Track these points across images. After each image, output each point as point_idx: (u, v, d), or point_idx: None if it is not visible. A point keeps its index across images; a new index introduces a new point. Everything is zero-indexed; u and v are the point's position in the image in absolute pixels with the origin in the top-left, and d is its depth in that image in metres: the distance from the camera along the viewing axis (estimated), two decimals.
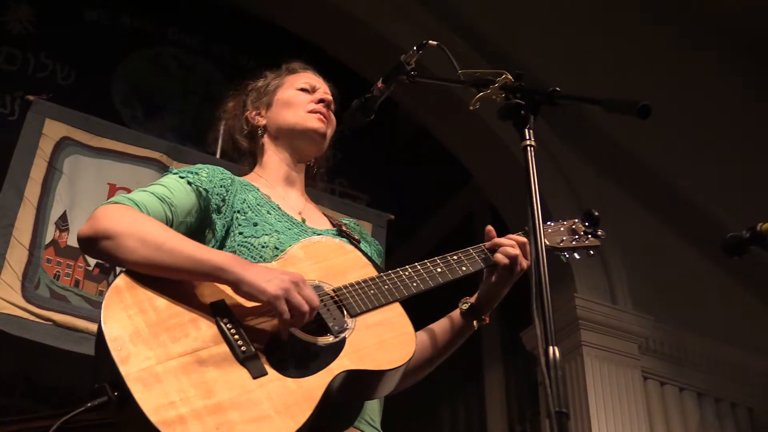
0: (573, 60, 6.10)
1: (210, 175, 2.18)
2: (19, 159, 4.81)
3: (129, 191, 5.01)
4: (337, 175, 5.97)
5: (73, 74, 5.72)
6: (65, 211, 4.84)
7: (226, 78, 6.29)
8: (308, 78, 2.51)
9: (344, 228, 2.35)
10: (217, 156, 5.23)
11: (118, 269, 4.75)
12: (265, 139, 2.43)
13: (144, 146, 5.20)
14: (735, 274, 6.12)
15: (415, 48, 2.32)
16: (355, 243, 2.29)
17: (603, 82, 5.97)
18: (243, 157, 2.47)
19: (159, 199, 2.07)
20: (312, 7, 5.99)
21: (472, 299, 2.31)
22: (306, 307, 1.84)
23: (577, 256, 2.44)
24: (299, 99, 2.43)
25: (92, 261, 4.79)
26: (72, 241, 4.79)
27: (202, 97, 6.11)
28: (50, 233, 4.75)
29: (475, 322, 2.29)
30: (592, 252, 2.46)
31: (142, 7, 6.10)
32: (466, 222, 7.42)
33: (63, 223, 4.81)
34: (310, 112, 2.41)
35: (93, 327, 4.60)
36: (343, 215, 5.48)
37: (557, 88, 1.99)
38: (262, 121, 2.44)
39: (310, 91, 2.47)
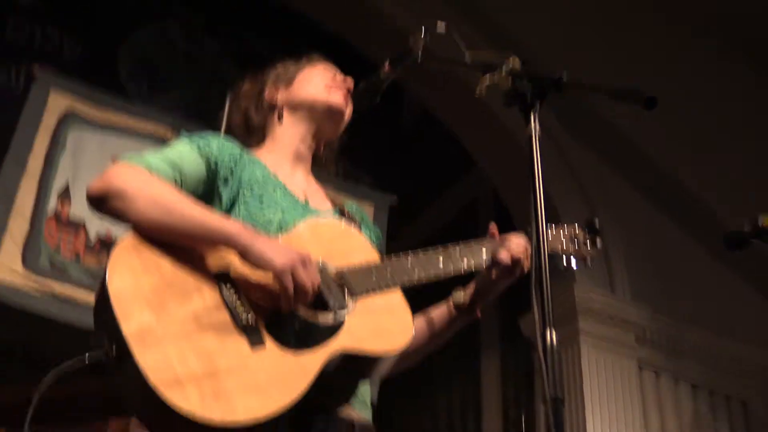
0: (580, 50, 6.08)
1: (219, 145, 2.17)
2: (22, 131, 4.82)
3: None
4: (342, 157, 5.97)
5: (79, 47, 5.71)
6: (68, 184, 4.85)
7: (232, 56, 6.28)
8: (329, 66, 2.50)
9: (345, 210, 2.35)
10: (221, 133, 5.28)
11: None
12: (284, 114, 2.41)
13: (148, 121, 5.22)
14: (735, 266, 6.13)
15: (423, 29, 2.31)
16: (354, 224, 2.29)
17: (611, 73, 5.95)
18: (253, 134, 2.44)
19: (170, 165, 2.06)
20: None
21: (466, 293, 2.29)
22: (309, 285, 1.85)
23: (574, 264, 2.42)
24: (323, 75, 2.43)
25: (93, 235, 4.80)
26: (74, 215, 4.80)
27: (208, 74, 6.10)
28: (52, 206, 4.76)
29: (467, 315, 2.29)
30: (589, 262, 2.45)
31: None
32: (470, 207, 7.42)
33: (65, 196, 4.82)
34: (335, 88, 2.40)
35: (92, 299, 4.64)
36: (346, 196, 5.55)
37: (564, 75, 1.99)
38: (280, 97, 2.42)
39: (333, 75, 2.46)
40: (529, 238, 2.16)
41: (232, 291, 1.86)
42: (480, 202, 7.29)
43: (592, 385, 5.31)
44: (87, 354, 1.79)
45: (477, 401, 6.65)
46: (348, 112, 2.44)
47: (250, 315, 1.83)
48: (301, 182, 2.35)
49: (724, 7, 6.22)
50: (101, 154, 5.04)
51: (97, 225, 4.81)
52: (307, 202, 2.28)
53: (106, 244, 4.82)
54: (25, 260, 4.54)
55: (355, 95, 2.39)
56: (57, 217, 4.76)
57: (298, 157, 2.38)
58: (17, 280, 4.47)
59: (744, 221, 2.59)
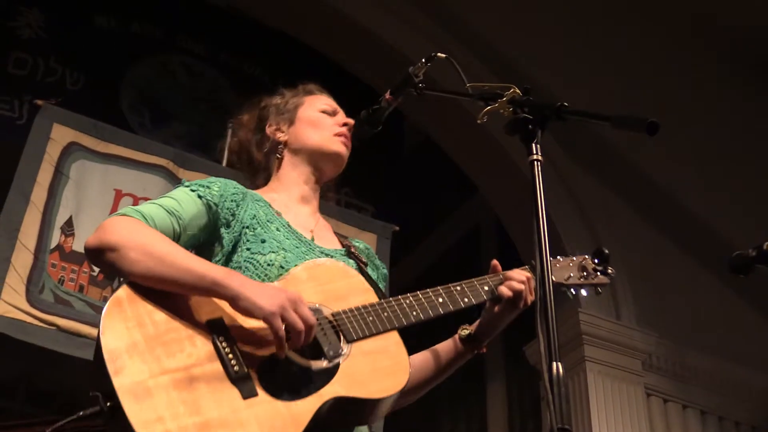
0: (580, 75, 6.10)
1: (221, 189, 2.18)
2: (26, 163, 4.82)
3: (135, 197, 5.10)
4: (343, 185, 5.96)
5: (81, 79, 5.74)
6: (71, 216, 4.84)
7: (234, 86, 6.31)
8: (327, 100, 2.51)
9: (353, 250, 2.35)
10: (224, 164, 5.28)
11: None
12: (285, 155, 2.42)
13: (151, 153, 5.21)
14: (740, 291, 6.10)
15: (423, 60, 2.32)
16: (362, 266, 2.29)
17: (611, 97, 5.97)
18: (256, 171, 2.46)
19: (167, 211, 2.07)
20: (321, 18, 6.01)
21: (472, 327, 2.31)
22: (301, 325, 1.85)
23: (584, 292, 2.43)
24: (325, 121, 2.43)
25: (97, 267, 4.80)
26: (77, 246, 4.79)
27: (210, 104, 6.12)
28: (56, 238, 4.75)
29: (474, 350, 2.30)
30: (600, 290, 2.46)
31: (151, 14, 6.13)
32: (472, 234, 7.42)
33: (68, 228, 4.81)
34: (336, 135, 2.41)
35: (96, 332, 4.63)
36: (349, 226, 5.54)
37: (565, 104, 1.99)
38: (284, 137, 2.43)
39: (331, 113, 2.46)
40: (533, 271, 2.19)
41: (224, 340, 1.86)
42: (482, 229, 7.29)
43: (599, 413, 5.27)
44: (80, 413, 1.79)
45: (483, 430, 6.60)
46: (347, 155, 2.45)
47: (242, 365, 1.83)
48: (308, 220, 2.35)
49: (726, 27, 6.25)
50: (104, 185, 5.04)
51: None
52: (313, 239, 2.27)
53: (109, 276, 4.81)
54: (29, 294, 4.52)
55: (357, 124, 2.40)
56: (60, 249, 4.75)
57: (304, 197, 2.39)
58: (21, 314, 4.45)
59: (750, 246, 2.57)
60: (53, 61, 5.69)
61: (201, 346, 1.84)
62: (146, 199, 4.97)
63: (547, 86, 5.52)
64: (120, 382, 1.73)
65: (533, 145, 1.95)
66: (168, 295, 1.90)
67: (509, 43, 6.08)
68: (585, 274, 2.42)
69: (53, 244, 4.74)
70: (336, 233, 2.44)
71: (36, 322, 4.46)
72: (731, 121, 6.51)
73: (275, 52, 6.33)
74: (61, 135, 4.97)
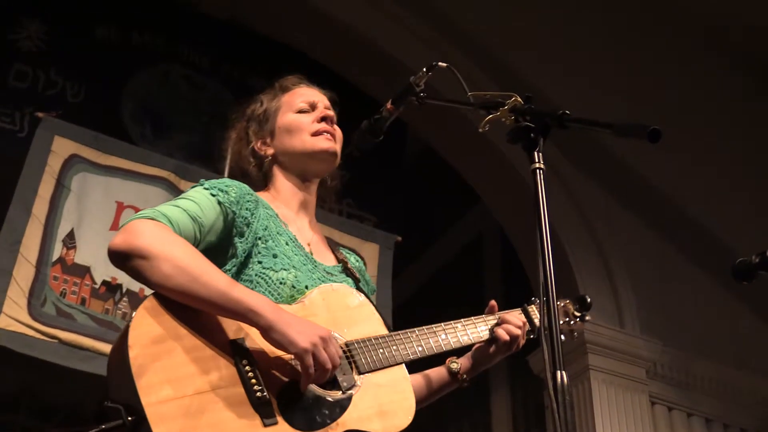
0: (581, 82, 6.10)
1: (238, 195, 2.16)
2: (27, 176, 4.82)
3: (137, 209, 5.08)
4: (345, 196, 5.96)
5: (82, 92, 5.73)
6: (72, 228, 4.84)
7: (236, 97, 6.29)
8: (303, 95, 2.47)
9: (349, 266, 2.37)
10: (225, 175, 5.28)
11: (125, 288, 4.78)
12: (275, 168, 2.40)
13: (152, 164, 5.21)
14: (744, 298, 6.09)
15: (424, 69, 2.31)
16: (356, 282, 2.32)
17: (614, 105, 5.96)
18: (253, 184, 2.41)
19: (191, 218, 2.04)
20: (322, 28, 6.02)
21: (459, 361, 2.39)
22: (329, 365, 1.89)
23: (563, 337, 2.46)
24: (301, 122, 2.40)
25: (99, 279, 4.79)
26: (79, 259, 4.78)
27: (211, 115, 6.11)
28: (57, 250, 4.75)
29: (459, 384, 2.39)
30: (576, 335, 2.57)
31: (152, 26, 6.12)
32: (475, 243, 7.41)
33: (70, 240, 4.81)
34: (315, 133, 2.37)
35: (98, 345, 4.63)
36: (351, 237, 5.53)
37: (567, 111, 1.98)
38: (269, 151, 2.41)
39: (310, 109, 2.43)
40: (527, 314, 2.40)
41: (247, 364, 1.87)
42: (485, 238, 7.28)
43: (604, 421, 5.25)
44: (103, 426, 1.81)
45: None
46: (338, 144, 2.42)
47: (264, 391, 1.84)
48: (307, 232, 2.35)
49: (731, 33, 6.25)
50: (106, 198, 5.04)
51: (102, 270, 4.79)
52: (311, 253, 2.28)
53: (111, 288, 4.80)
54: (31, 307, 4.51)
55: (358, 134, 2.40)
56: (62, 262, 4.74)
57: (303, 204, 2.38)
58: (22, 327, 4.44)
59: (753, 253, 2.56)
60: (54, 74, 5.69)
61: (224, 367, 1.85)
62: None
63: (549, 94, 5.52)
64: (148, 400, 1.73)
65: (535, 153, 1.95)
66: (191, 310, 1.90)
67: (511, 51, 6.09)
68: (567, 319, 2.52)
69: (55, 257, 4.73)
70: (328, 243, 2.44)
71: (38, 335, 4.46)
72: (735, 128, 6.51)
73: (278, 64, 6.31)
74: (62, 147, 4.97)
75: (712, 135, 6.42)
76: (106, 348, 4.52)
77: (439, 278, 7.54)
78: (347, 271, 2.34)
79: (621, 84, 6.26)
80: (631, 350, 5.59)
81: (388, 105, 2.34)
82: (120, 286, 4.80)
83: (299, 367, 1.89)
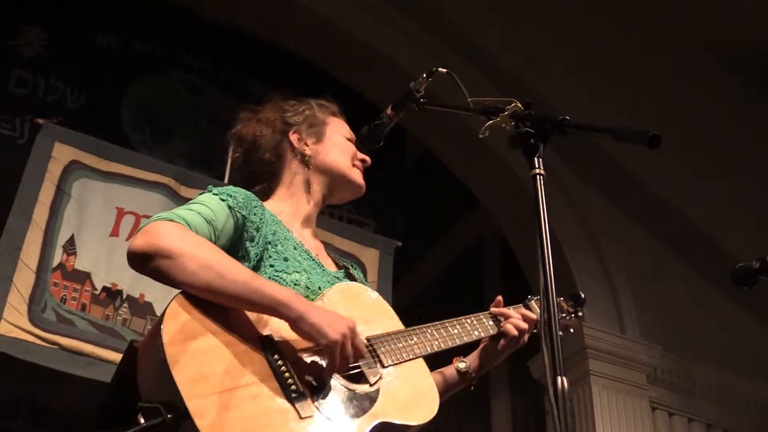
0: (581, 87, 6.11)
1: (245, 199, 2.17)
2: (27, 182, 4.82)
3: (137, 215, 5.10)
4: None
5: (82, 98, 5.73)
6: (73, 234, 4.84)
7: (236, 103, 6.30)
8: (348, 128, 2.54)
9: (351, 272, 2.41)
10: (225, 181, 5.28)
11: (125, 294, 4.78)
12: (302, 169, 2.40)
13: (152, 171, 5.21)
14: (744, 304, 6.08)
15: (424, 75, 2.32)
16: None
17: (614, 111, 5.97)
18: (257, 174, 2.43)
19: (206, 220, 2.05)
20: (322, 33, 6.03)
21: (467, 360, 2.41)
22: (354, 358, 1.94)
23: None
24: (352, 150, 2.48)
25: (99, 285, 4.79)
26: (79, 265, 4.78)
27: (211, 121, 6.12)
28: (57, 256, 4.75)
29: (466, 384, 2.41)
30: (572, 330, 2.62)
31: (152, 32, 6.13)
32: (475, 248, 7.41)
33: (70, 246, 4.81)
34: (356, 166, 2.46)
35: (99, 351, 4.63)
36: (352, 242, 5.53)
37: (567, 117, 1.98)
38: (309, 151, 2.42)
39: (352, 143, 2.50)
40: (529, 309, 2.42)
41: (279, 359, 1.90)
42: (485, 243, 7.28)
43: (604, 427, 5.25)
44: (143, 424, 1.81)
45: None
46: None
47: (298, 384, 1.87)
48: (310, 240, 2.37)
49: (730, 40, 6.25)
50: (106, 204, 5.04)
51: (102, 276, 4.80)
52: (318, 258, 2.30)
53: (112, 294, 4.80)
54: (31, 313, 4.51)
55: (359, 139, 2.42)
56: (62, 268, 4.74)
57: (307, 219, 2.40)
58: (23, 333, 4.44)
59: (753, 258, 2.57)
60: (54, 80, 5.69)
61: (257, 362, 1.87)
62: (148, 217, 4.96)
63: (549, 99, 5.52)
64: (189, 395, 1.74)
65: (535, 159, 1.95)
66: (218, 308, 1.91)
67: (511, 57, 6.09)
68: (562, 314, 2.56)
69: (55, 263, 4.73)
70: (327, 252, 2.46)
71: (38, 341, 4.45)
72: (735, 134, 6.51)
73: (277, 70, 6.33)
74: (62, 153, 4.97)
75: (713, 140, 6.42)
76: (107, 354, 4.52)
77: (439, 283, 7.54)
78: (350, 276, 2.37)
79: (621, 89, 6.26)
80: (632, 355, 5.59)
81: (389, 110, 2.36)
82: (120, 292, 4.80)
83: (325, 358, 1.92)
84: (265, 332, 1.94)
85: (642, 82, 6.35)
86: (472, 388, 2.40)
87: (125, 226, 4.99)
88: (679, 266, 6.15)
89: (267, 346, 1.91)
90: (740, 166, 6.46)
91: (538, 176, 1.92)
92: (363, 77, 6.12)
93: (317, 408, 1.86)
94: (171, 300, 1.89)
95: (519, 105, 2.06)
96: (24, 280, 4.56)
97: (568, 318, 2.58)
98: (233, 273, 1.91)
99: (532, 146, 1.96)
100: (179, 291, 1.92)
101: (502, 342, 2.37)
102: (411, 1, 6.05)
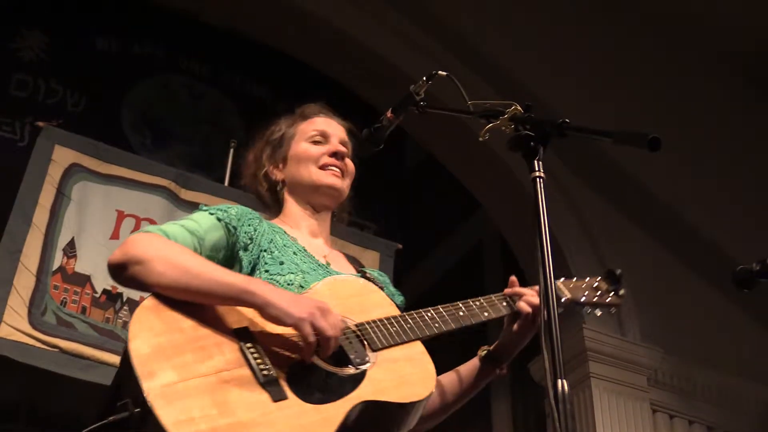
0: (581, 90, 6.11)
1: (239, 213, 2.22)
2: (27, 185, 4.82)
3: (137, 218, 5.10)
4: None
5: (83, 101, 5.74)
6: (73, 237, 4.84)
7: (236, 106, 6.31)
8: (321, 124, 2.50)
9: (368, 275, 2.39)
10: (225, 184, 5.29)
11: (125, 297, 4.78)
12: (285, 193, 2.45)
13: (152, 173, 5.21)
14: (745, 306, 6.08)
15: (424, 78, 2.33)
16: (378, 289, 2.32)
17: (615, 113, 5.97)
18: (267, 206, 2.49)
19: (189, 232, 2.11)
20: (322, 37, 6.03)
21: (492, 347, 2.34)
22: (330, 332, 1.89)
23: (598, 312, 2.47)
24: (311, 153, 2.43)
25: (99, 288, 4.78)
26: (79, 268, 4.78)
27: (211, 125, 6.13)
28: (58, 259, 4.75)
29: (494, 370, 2.34)
30: (613, 311, 2.52)
31: (152, 36, 6.14)
32: (475, 251, 7.41)
33: (71, 249, 4.81)
34: (323, 166, 2.41)
35: (99, 354, 4.62)
36: (352, 245, 5.53)
37: (567, 120, 1.98)
38: (280, 176, 2.46)
39: (322, 140, 2.46)
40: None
41: (252, 347, 1.89)
42: (485, 246, 7.28)
43: (605, 429, 5.24)
44: (110, 418, 1.81)
45: None
46: (347, 179, 2.46)
47: (270, 369, 1.85)
48: (322, 248, 2.38)
49: (730, 43, 6.26)
50: (106, 207, 5.04)
51: (103, 279, 4.79)
52: (328, 264, 2.31)
53: (112, 297, 4.80)
54: (31, 316, 4.51)
55: (358, 143, 2.41)
56: (62, 271, 4.74)
57: (313, 232, 2.41)
58: (23, 336, 4.44)
59: (753, 260, 2.57)
60: (54, 83, 5.70)
61: (229, 352, 1.87)
62: (148, 219, 4.97)
63: (549, 102, 5.52)
64: (150, 386, 1.74)
65: (535, 162, 1.95)
66: (193, 305, 1.94)
67: (511, 59, 6.09)
68: (598, 294, 2.48)
69: (55, 266, 4.73)
70: (349, 261, 2.47)
71: (38, 344, 4.45)
72: (735, 135, 6.51)
73: (278, 73, 6.34)
74: (62, 156, 4.97)
75: (713, 143, 6.43)
76: (107, 357, 4.52)
77: (439, 286, 7.53)
78: (366, 278, 2.35)
79: (621, 91, 6.27)
80: (632, 358, 5.58)
81: (389, 113, 2.36)
82: (120, 294, 4.80)
83: (300, 341, 1.90)
84: (242, 323, 1.94)
85: (643, 85, 6.36)
86: (504, 371, 2.33)
87: (125, 228, 4.98)
88: (680, 268, 6.14)
89: (242, 337, 1.91)
90: (741, 168, 6.46)
91: (538, 179, 1.92)
92: (363, 80, 6.13)
93: (292, 392, 1.84)
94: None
95: (519, 108, 2.06)
96: (24, 283, 4.56)
97: (607, 298, 2.49)
98: (199, 269, 1.95)
99: (532, 149, 1.96)
100: (151, 293, 1.96)
101: (516, 325, 2.28)
102: (411, 4, 6.06)
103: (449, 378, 2.33)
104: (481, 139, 2.16)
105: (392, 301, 2.30)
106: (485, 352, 2.33)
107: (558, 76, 6.11)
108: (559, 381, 1.67)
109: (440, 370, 2.39)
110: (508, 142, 2.02)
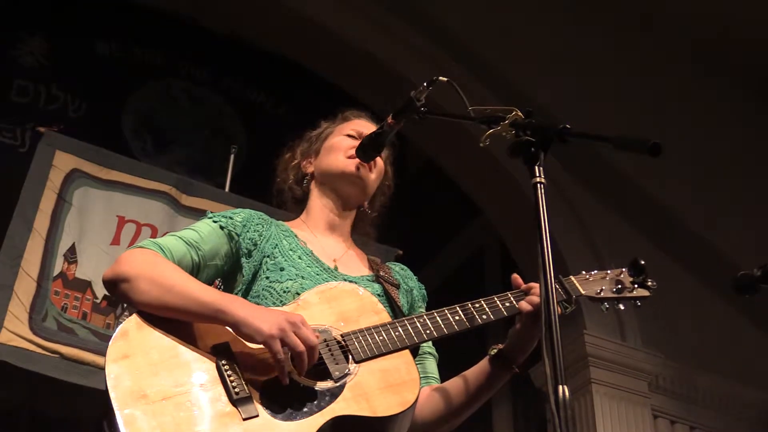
0: (582, 96, 6.11)
1: (245, 219, 2.24)
2: (28, 190, 4.82)
3: (138, 224, 5.10)
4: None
5: (83, 106, 5.75)
6: (74, 243, 4.84)
7: (237, 111, 6.32)
8: (359, 125, 2.52)
9: (382, 273, 2.36)
10: (226, 189, 5.29)
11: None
12: (312, 186, 2.47)
13: (153, 179, 5.21)
14: (746, 311, 6.07)
15: (425, 84, 2.32)
16: (389, 290, 2.29)
17: (615, 119, 5.97)
18: (300, 204, 2.50)
19: (186, 243, 2.13)
20: (323, 44, 6.03)
21: (503, 346, 2.23)
22: (301, 347, 1.87)
23: (621, 306, 2.34)
24: (342, 144, 2.45)
25: (100, 294, 4.78)
26: (80, 274, 4.78)
27: (212, 130, 6.13)
28: (58, 265, 4.75)
29: (508, 369, 2.22)
30: (639, 303, 2.37)
31: (152, 41, 6.15)
32: (476, 256, 7.40)
33: (71, 255, 4.80)
34: (350, 157, 2.41)
35: (100, 360, 4.60)
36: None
37: (567, 125, 1.98)
38: (310, 168, 2.49)
39: (356, 137, 2.47)
40: (561, 285, 2.23)
41: (227, 364, 1.89)
42: (486, 251, 7.27)
43: None
44: None
45: None
46: (374, 174, 2.45)
47: (244, 387, 1.85)
48: (335, 249, 2.37)
49: (730, 47, 6.25)
50: (107, 212, 5.04)
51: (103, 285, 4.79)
52: (336, 268, 2.29)
53: (113, 303, 4.80)
54: (32, 321, 4.51)
55: (359, 148, 2.40)
56: (63, 277, 4.74)
57: (331, 225, 2.42)
58: (24, 341, 4.44)
59: (754, 266, 2.56)
60: (55, 89, 5.71)
61: (205, 370, 1.88)
62: (149, 225, 4.97)
63: (550, 108, 5.52)
64: (119, 405, 1.77)
65: (536, 167, 1.94)
66: (176, 323, 1.95)
67: (511, 65, 6.10)
68: (620, 287, 2.33)
69: (56, 272, 4.73)
70: (370, 258, 2.45)
71: (39, 350, 4.45)
72: (735, 141, 6.51)
73: (279, 78, 6.34)
74: (63, 162, 4.97)
75: (713, 148, 6.42)
76: None
77: (440, 292, 7.49)
78: (378, 279, 2.32)
79: (621, 96, 6.26)
80: (633, 363, 5.58)
81: (389, 119, 2.35)
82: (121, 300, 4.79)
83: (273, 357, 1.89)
84: (219, 341, 1.95)
85: (644, 91, 6.35)
86: (517, 370, 2.21)
87: (126, 234, 4.98)
88: (681, 274, 6.14)
89: (220, 353, 1.92)
90: (742, 173, 6.45)
91: (538, 185, 1.91)
92: (364, 86, 6.13)
93: (264, 408, 1.84)
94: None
95: (519, 113, 2.06)
96: (25, 288, 4.56)
97: (632, 290, 2.33)
98: (180, 287, 1.97)
99: (532, 155, 1.95)
100: (135, 311, 2.00)
101: (518, 323, 2.16)
102: (411, 11, 6.06)
103: (455, 383, 2.24)
104: (481, 144, 2.15)
105: (409, 299, 2.29)
106: (495, 351, 2.21)
107: (558, 82, 6.11)
108: (560, 386, 1.66)
109: (443, 371, 2.36)
110: (508, 148, 2.01)
